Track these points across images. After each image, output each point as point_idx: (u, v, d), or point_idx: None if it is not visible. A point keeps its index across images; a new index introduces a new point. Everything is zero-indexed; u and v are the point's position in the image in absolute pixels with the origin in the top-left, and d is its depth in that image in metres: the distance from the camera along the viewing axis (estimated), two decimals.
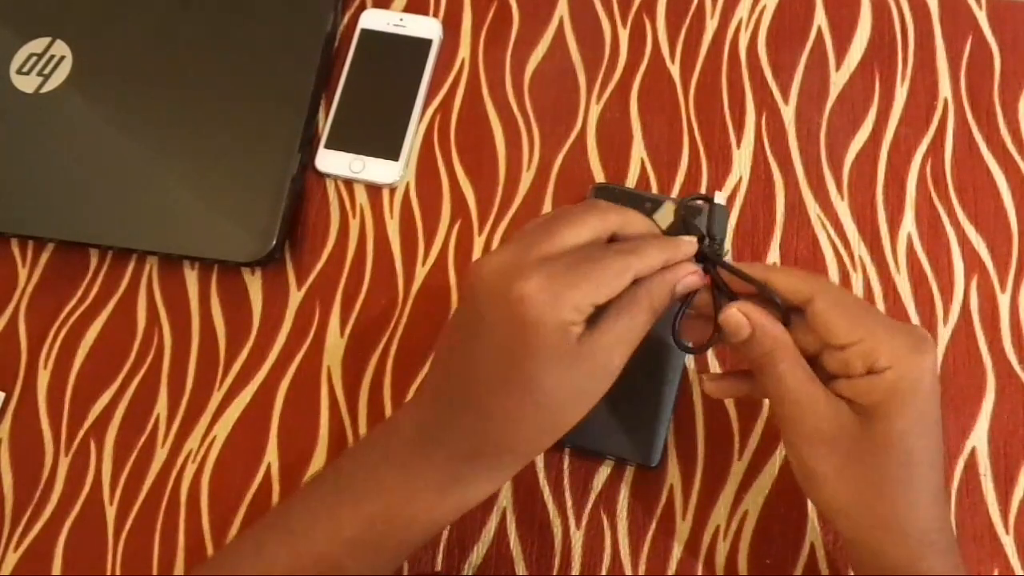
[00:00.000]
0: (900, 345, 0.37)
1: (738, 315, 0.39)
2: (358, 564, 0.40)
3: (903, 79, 0.58)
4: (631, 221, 0.40)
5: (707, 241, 0.41)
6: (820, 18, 0.60)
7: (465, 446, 0.39)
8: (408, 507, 0.40)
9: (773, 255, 0.55)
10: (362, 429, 0.53)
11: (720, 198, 0.42)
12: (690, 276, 0.39)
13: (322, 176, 0.59)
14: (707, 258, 0.41)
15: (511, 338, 0.36)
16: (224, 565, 0.42)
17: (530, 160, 0.58)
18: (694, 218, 0.42)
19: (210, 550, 0.52)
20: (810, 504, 0.50)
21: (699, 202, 0.44)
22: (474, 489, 0.40)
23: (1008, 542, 0.49)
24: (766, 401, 0.52)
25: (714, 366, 0.53)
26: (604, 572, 0.50)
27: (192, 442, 0.54)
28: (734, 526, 0.50)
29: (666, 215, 0.43)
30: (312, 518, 0.41)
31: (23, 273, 0.58)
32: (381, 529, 0.40)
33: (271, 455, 0.53)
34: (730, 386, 0.44)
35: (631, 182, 0.57)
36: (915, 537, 0.38)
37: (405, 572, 0.51)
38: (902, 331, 0.38)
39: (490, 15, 0.62)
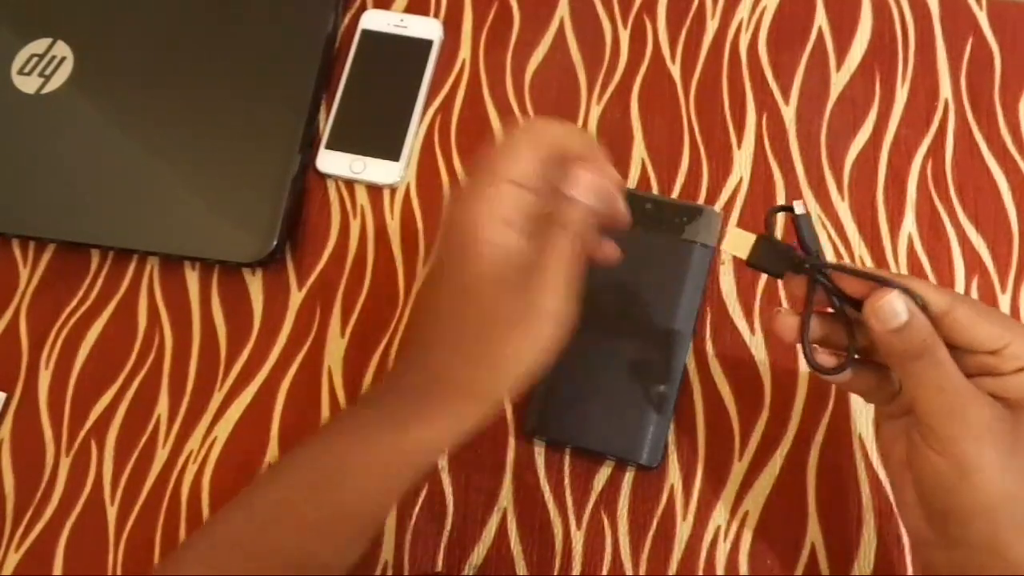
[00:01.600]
0: None
1: (899, 301, 0.36)
2: (313, 506, 0.40)
3: (904, 80, 0.58)
4: (570, 137, 0.39)
5: (813, 255, 0.39)
6: (821, 19, 0.60)
7: (420, 380, 0.40)
8: (358, 447, 0.40)
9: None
10: None
11: (799, 207, 0.39)
12: (583, 177, 0.38)
13: (323, 176, 0.59)
14: (819, 272, 0.38)
15: (447, 257, 0.38)
16: (217, 520, 0.44)
17: None
18: (801, 232, 0.39)
19: None
20: (810, 504, 0.50)
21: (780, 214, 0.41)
22: (430, 427, 0.39)
23: None
24: (767, 401, 0.52)
25: (714, 366, 0.53)
26: (604, 572, 0.50)
27: (193, 442, 0.54)
28: (734, 526, 0.50)
29: (734, 239, 0.40)
30: (285, 466, 0.42)
31: (24, 274, 0.58)
32: (333, 473, 0.40)
33: (272, 455, 0.53)
34: (859, 380, 0.41)
35: (632, 182, 0.57)
36: None
37: (406, 572, 0.51)
38: None
39: (491, 16, 0.62)
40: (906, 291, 0.37)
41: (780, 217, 0.41)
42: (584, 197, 0.38)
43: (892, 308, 0.36)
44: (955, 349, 0.37)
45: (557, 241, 0.38)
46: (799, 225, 0.39)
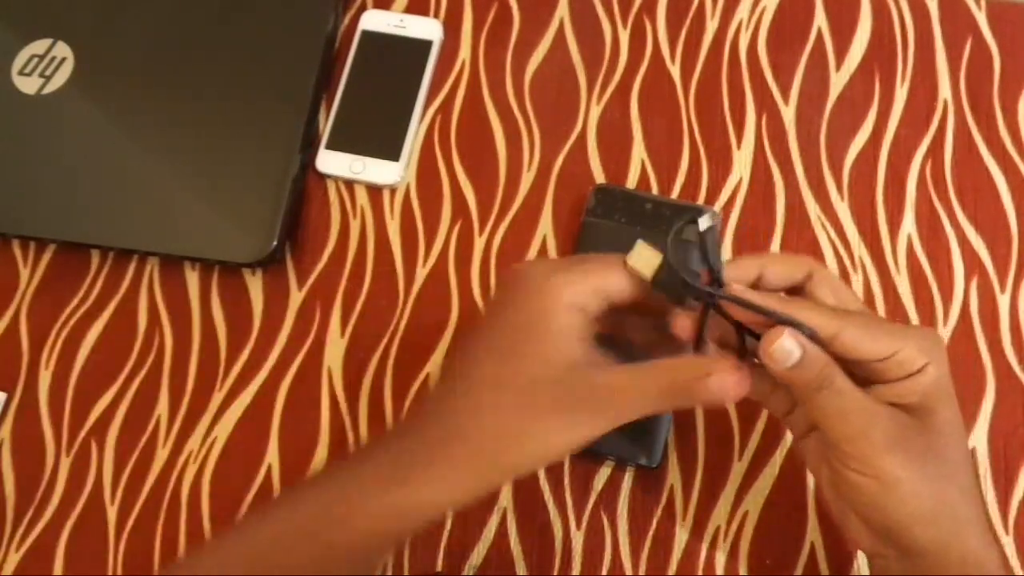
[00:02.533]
0: (928, 342, 0.38)
1: (790, 340, 0.36)
2: (293, 555, 0.38)
3: (903, 80, 0.58)
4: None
5: (716, 273, 0.38)
6: (820, 19, 0.60)
7: (427, 432, 0.38)
8: (341, 505, 0.38)
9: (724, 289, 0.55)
10: (362, 430, 0.54)
11: (704, 220, 0.37)
12: (728, 380, 0.37)
13: (323, 177, 0.59)
14: (712, 302, 0.38)
15: (506, 317, 0.37)
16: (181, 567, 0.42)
17: (530, 161, 0.58)
18: (704, 248, 0.38)
19: None
20: (810, 504, 0.50)
21: (691, 227, 0.38)
22: (425, 490, 0.37)
23: (1008, 542, 0.49)
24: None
25: None
26: (604, 572, 0.50)
27: (193, 443, 0.54)
28: (734, 527, 0.50)
29: (641, 255, 0.38)
30: (270, 512, 0.40)
31: (24, 274, 0.58)
32: (310, 527, 0.38)
33: (272, 456, 0.53)
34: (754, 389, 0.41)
35: (631, 183, 0.57)
36: (990, 531, 0.38)
37: (406, 572, 0.51)
38: (919, 330, 0.39)
39: (490, 16, 0.62)
40: (794, 324, 0.37)
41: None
42: (716, 395, 0.37)
43: (783, 348, 0.37)
44: (847, 362, 0.38)
45: (658, 380, 0.37)
46: (703, 241, 0.37)
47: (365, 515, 0.37)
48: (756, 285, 0.40)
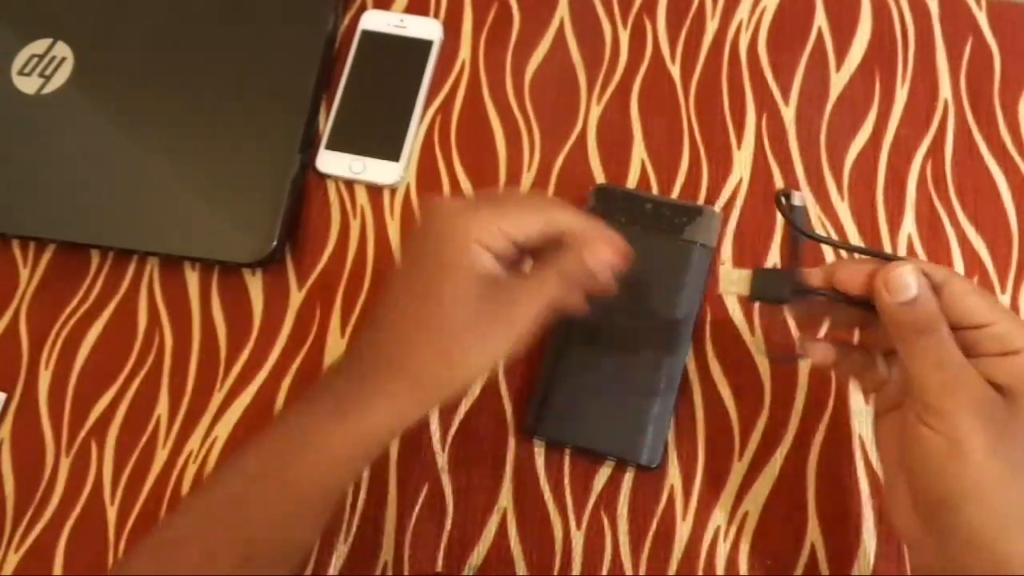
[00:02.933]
0: None
1: (910, 275, 0.37)
2: (256, 497, 0.41)
3: (903, 80, 0.58)
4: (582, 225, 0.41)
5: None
6: (820, 19, 0.60)
7: (363, 367, 0.41)
8: (301, 434, 0.41)
9: (774, 257, 0.55)
10: None
11: (798, 199, 0.41)
12: (604, 251, 0.40)
13: (323, 177, 0.59)
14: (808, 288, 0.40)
15: (424, 263, 0.40)
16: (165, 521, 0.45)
17: (530, 161, 0.58)
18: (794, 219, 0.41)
19: None
20: (810, 504, 0.50)
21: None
22: (370, 416, 0.40)
23: None
24: (766, 401, 0.52)
25: (714, 366, 0.53)
26: (604, 572, 0.50)
27: (193, 443, 0.54)
28: (734, 527, 0.50)
29: (729, 278, 0.41)
30: (230, 462, 0.43)
31: (24, 274, 0.58)
32: (275, 462, 0.41)
33: None
34: (848, 363, 0.43)
35: (631, 183, 0.57)
36: None
37: (406, 572, 0.51)
38: (1018, 318, 0.39)
39: (490, 16, 0.62)
40: (907, 262, 0.38)
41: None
42: (593, 265, 0.40)
43: (904, 281, 0.37)
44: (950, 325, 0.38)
45: (546, 278, 0.41)
46: (795, 215, 0.40)
47: (320, 446, 0.40)
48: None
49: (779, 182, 0.56)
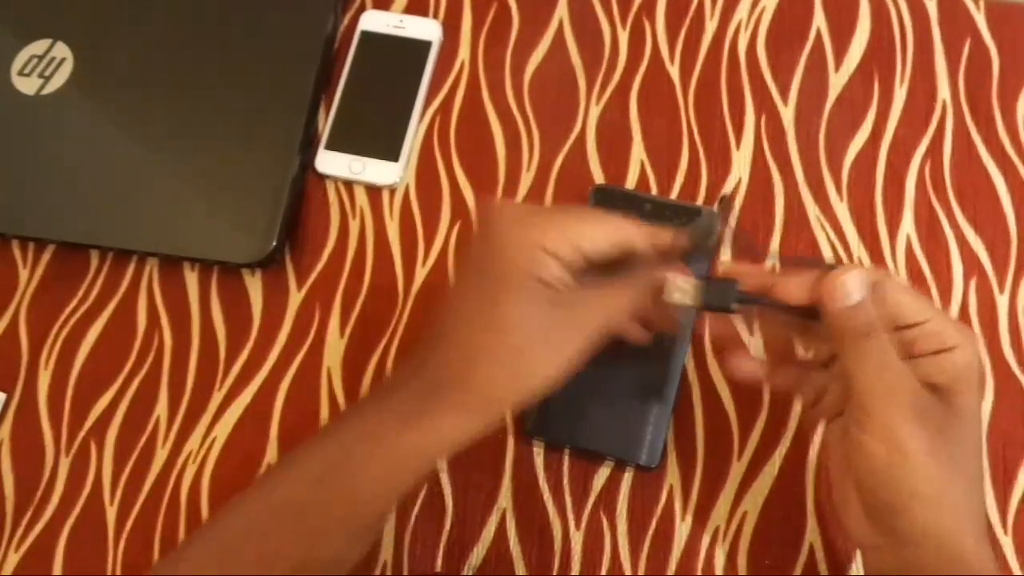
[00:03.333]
0: (963, 330, 0.38)
1: (856, 279, 0.38)
2: (319, 503, 0.40)
3: (902, 81, 0.58)
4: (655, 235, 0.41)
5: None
6: (819, 20, 0.60)
7: (430, 379, 0.40)
8: (364, 443, 0.40)
9: (773, 257, 0.55)
10: None
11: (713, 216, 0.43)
12: (678, 277, 0.41)
13: (322, 177, 0.59)
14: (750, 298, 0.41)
15: (489, 269, 0.38)
16: (218, 520, 0.44)
17: (530, 161, 0.58)
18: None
19: None
20: (810, 504, 0.50)
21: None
22: (436, 427, 0.39)
23: (1007, 543, 0.49)
24: (766, 401, 0.52)
25: (714, 366, 0.53)
26: (603, 573, 0.50)
27: (192, 443, 0.54)
28: (734, 527, 0.50)
29: (677, 289, 0.42)
30: (289, 463, 0.42)
31: (24, 274, 0.58)
32: (340, 469, 0.40)
33: (271, 456, 0.53)
34: (783, 377, 0.45)
35: (631, 183, 0.57)
36: (988, 528, 0.39)
37: (405, 572, 0.51)
38: (958, 321, 0.41)
39: (490, 17, 0.62)
40: (835, 269, 0.38)
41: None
42: (670, 296, 0.41)
43: (847, 288, 0.38)
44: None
45: (620, 288, 0.41)
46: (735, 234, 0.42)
47: (388, 451, 0.39)
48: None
49: (778, 182, 0.56)
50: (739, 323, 0.53)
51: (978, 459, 0.40)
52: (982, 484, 0.40)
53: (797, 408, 0.52)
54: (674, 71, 0.60)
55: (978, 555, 0.38)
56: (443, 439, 0.39)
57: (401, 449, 0.39)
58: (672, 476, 0.51)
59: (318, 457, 0.41)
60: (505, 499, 0.52)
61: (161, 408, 0.55)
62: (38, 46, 0.61)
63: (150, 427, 0.55)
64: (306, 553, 0.40)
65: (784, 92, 0.59)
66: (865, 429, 0.38)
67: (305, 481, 0.41)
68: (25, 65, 0.60)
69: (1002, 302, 0.53)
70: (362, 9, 0.62)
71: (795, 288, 0.40)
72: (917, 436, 0.37)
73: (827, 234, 0.55)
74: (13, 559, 0.53)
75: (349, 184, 0.59)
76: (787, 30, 0.60)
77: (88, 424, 0.55)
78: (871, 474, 0.38)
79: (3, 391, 0.56)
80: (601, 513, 0.51)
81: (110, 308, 0.57)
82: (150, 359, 0.56)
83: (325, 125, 0.59)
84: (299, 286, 0.57)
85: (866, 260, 0.54)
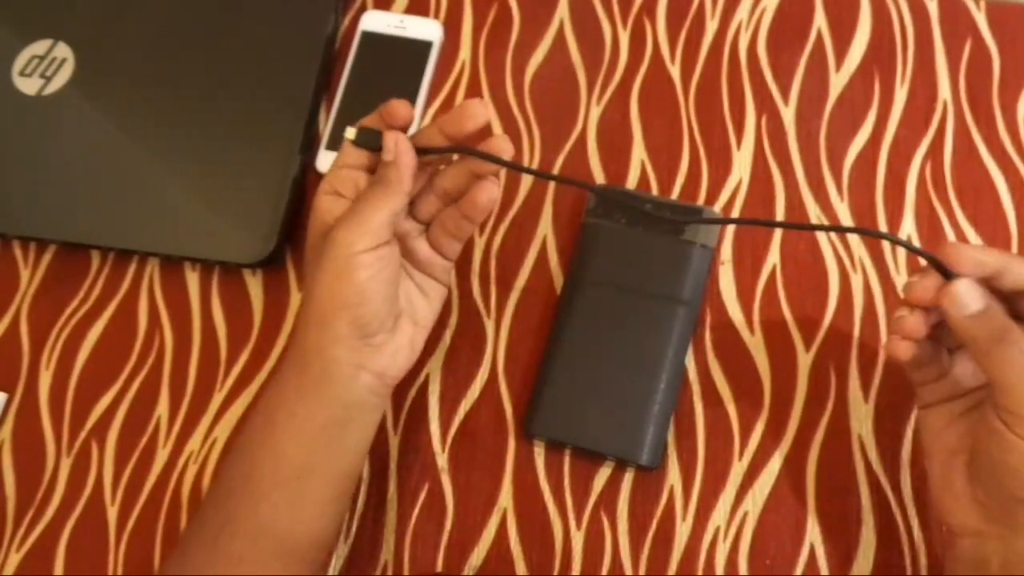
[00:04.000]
0: None
1: (968, 288, 0.37)
2: (260, 470, 0.44)
3: (903, 81, 0.58)
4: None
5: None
6: (820, 20, 0.60)
7: (297, 372, 0.44)
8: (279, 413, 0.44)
9: (773, 257, 0.55)
10: None
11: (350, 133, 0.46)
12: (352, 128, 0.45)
13: (323, 177, 0.59)
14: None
15: (324, 284, 0.43)
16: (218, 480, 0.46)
17: (531, 162, 0.58)
18: None
19: None
20: (810, 504, 0.50)
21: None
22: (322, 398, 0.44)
23: None
24: (766, 401, 0.52)
25: (714, 366, 0.53)
26: (604, 573, 0.50)
27: (193, 443, 0.54)
28: (734, 527, 0.50)
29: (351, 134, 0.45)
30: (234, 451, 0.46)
31: (25, 275, 0.58)
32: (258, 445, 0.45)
33: None
34: (927, 358, 0.43)
35: (631, 184, 0.57)
36: None
37: (406, 572, 0.51)
38: None
39: (490, 17, 0.62)
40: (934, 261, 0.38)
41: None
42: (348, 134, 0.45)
43: (964, 300, 0.37)
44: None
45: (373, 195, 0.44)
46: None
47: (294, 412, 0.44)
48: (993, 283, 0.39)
49: (779, 182, 0.56)
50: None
51: None
52: None
53: (798, 408, 0.52)
54: (675, 71, 0.60)
55: None
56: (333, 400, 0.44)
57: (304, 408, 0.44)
58: (673, 476, 0.51)
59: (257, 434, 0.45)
60: (506, 499, 0.52)
61: (162, 408, 0.55)
62: (39, 46, 0.61)
63: (151, 427, 0.55)
64: (284, 529, 0.43)
65: (785, 92, 0.59)
66: (1012, 426, 0.38)
67: (257, 461, 0.44)
68: (26, 65, 0.60)
69: None
70: (363, 9, 0.62)
71: (922, 293, 0.39)
72: None
73: (828, 234, 0.55)
74: (14, 559, 0.53)
75: None
76: (788, 30, 0.60)
77: (89, 424, 0.55)
78: (1008, 468, 0.38)
79: (4, 391, 0.56)
80: (602, 513, 0.51)
81: (111, 308, 0.57)
82: (151, 359, 0.56)
83: (326, 125, 0.59)
84: (300, 286, 0.57)
85: (867, 260, 0.54)
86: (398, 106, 0.44)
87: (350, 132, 0.45)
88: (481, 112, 0.43)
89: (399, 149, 0.43)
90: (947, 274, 0.39)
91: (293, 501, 0.43)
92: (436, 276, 0.48)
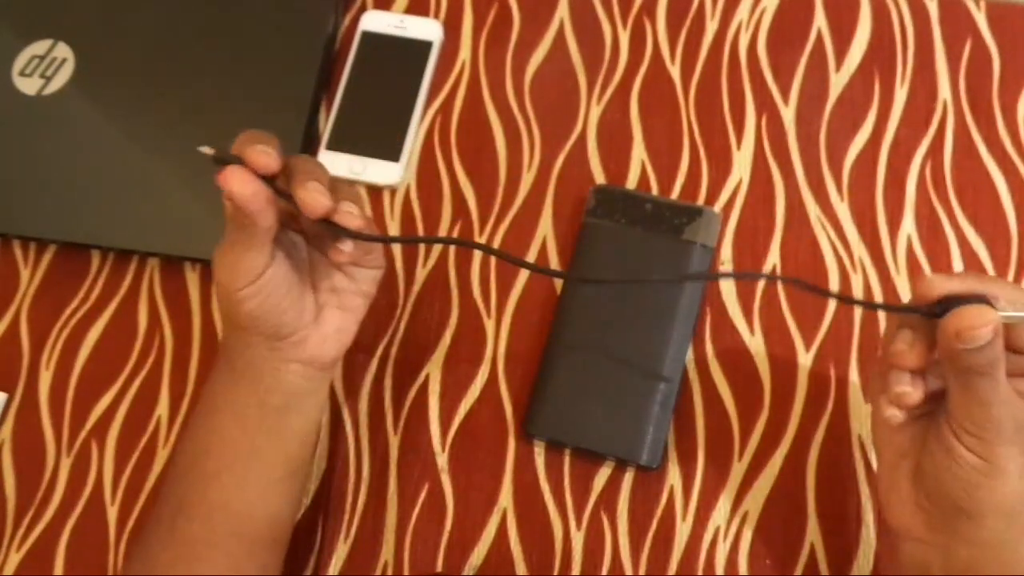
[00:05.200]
0: None
1: (990, 326, 0.36)
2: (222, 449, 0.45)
3: (903, 81, 0.58)
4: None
5: None
6: (820, 20, 0.60)
7: (227, 372, 0.45)
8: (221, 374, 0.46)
9: (773, 257, 0.55)
10: (363, 430, 0.54)
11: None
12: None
13: None
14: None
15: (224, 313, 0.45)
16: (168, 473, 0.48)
17: (530, 162, 0.58)
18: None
19: None
20: (810, 504, 0.50)
21: None
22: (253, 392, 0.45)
23: None
24: (766, 401, 0.52)
25: (714, 366, 0.53)
26: (604, 573, 0.50)
27: None
28: (734, 527, 0.50)
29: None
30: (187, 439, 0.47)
31: (25, 274, 0.58)
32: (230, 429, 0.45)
33: None
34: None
35: (631, 184, 0.57)
36: None
37: (406, 572, 0.51)
38: None
39: (490, 17, 0.62)
40: (987, 302, 0.36)
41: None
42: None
43: (982, 336, 0.36)
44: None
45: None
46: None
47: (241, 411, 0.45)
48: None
49: (779, 182, 0.56)
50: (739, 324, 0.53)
51: None
52: None
53: (798, 409, 0.52)
54: (675, 71, 0.60)
55: None
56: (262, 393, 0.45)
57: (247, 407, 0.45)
58: (673, 476, 0.51)
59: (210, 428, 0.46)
60: (506, 499, 0.52)
61: (162, 408, 0.55)
62: (39, 46, 0.61)
63: (151, 427, 0.55)
64: (243, 503, 0.45)
65: (785, 92, 0.59)
66: (964, 442, 0.38)
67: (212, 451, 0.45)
68: (26, 65, 0.60)
69: None
70: (363, 9, 0.62)
71: (915, 358, 0.39)
72: (1016, 457, 0.37)
73: (828, 234, 0.55)
74: (14, 559, 0.53)
75: (350, 184, 0.59)
76: (788, 30, 0.60)
77: (89, 424, 0.55)
78: (956, 479, 0.38)
79: (4, 391, 0.56)
80: (602, 513, 0.51)
81: (111, 308, 0.57)
82: (151, 359, 0.56)
83: (326, 125, 0.60)
84: None
85: (867, 260, 0.54)
86: (259, 155, 0.42)
87: (207, 149, 0.42)
88: (322, 202, 0.42)
89: (243, 194, 0.42)
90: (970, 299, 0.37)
91: (240, 482, 0.45)
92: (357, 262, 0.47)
